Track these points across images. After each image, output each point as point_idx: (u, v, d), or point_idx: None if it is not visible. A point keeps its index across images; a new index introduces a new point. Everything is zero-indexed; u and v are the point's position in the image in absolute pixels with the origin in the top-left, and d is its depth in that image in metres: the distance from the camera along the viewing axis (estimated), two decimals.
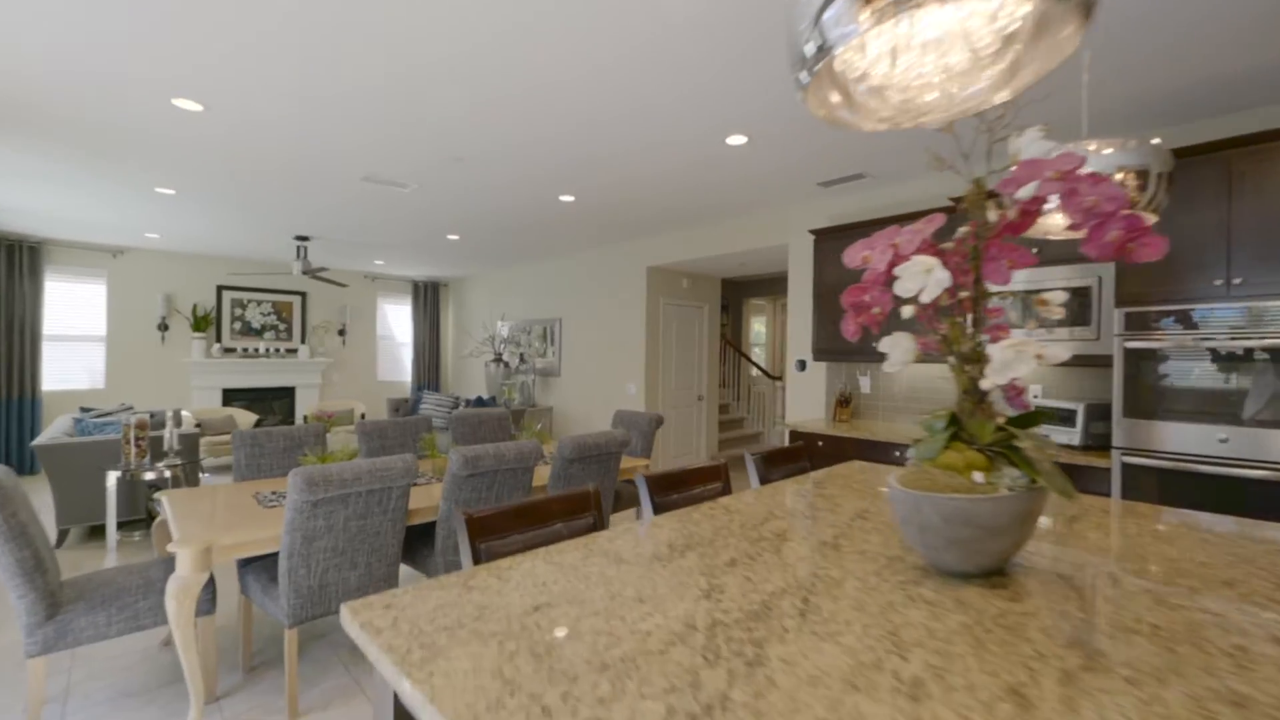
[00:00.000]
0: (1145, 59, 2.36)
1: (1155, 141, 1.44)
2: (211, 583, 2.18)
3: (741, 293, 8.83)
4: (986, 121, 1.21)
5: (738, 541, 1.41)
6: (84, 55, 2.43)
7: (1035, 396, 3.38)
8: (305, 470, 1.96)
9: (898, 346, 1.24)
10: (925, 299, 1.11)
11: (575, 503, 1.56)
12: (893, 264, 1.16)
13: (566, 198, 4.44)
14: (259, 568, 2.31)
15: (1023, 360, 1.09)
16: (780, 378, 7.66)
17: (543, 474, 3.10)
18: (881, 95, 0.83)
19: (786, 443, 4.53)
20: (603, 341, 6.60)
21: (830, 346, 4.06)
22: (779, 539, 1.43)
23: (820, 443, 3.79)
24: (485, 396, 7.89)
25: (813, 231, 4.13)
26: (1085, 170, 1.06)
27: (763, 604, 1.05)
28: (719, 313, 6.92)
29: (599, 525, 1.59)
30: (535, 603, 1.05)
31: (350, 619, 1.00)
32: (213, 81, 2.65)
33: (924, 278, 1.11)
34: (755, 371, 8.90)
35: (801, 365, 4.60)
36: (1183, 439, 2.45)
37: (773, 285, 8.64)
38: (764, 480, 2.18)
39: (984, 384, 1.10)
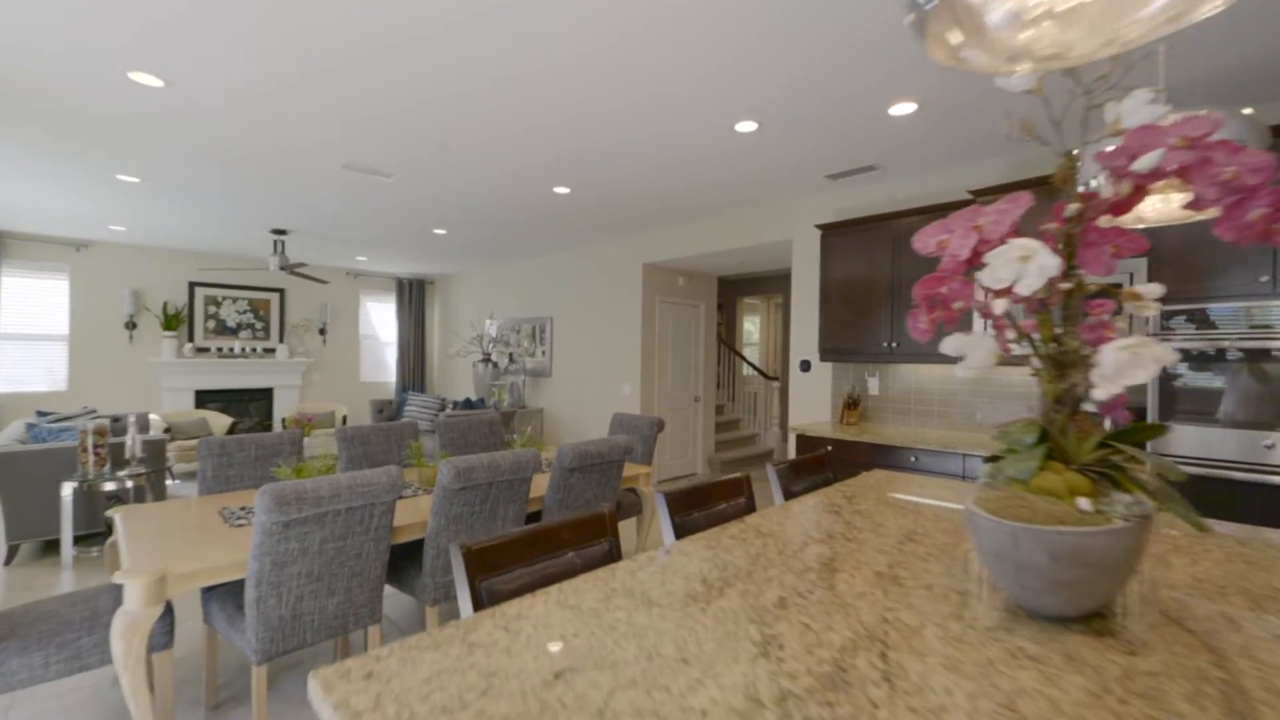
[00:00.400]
0: (1176, 43, 2.21)
1: (1247, 112, 1.27)
2: (169, 612, 1.94)
3: (734, 291, 8.67)
4: (1083, 84, 1.03)
5: (780, 573, 1.22)
6: (27, 19, 2.17)
7: None
8: (275, 487, 1.73)
9: (979, 348, 1.05)
10: (1022, 290, 0.92)
11: (588, 528, 1.36)
12: (978, 249, 0.98)
13: (561, 190, 4.22)
14: (224, 594, 2.07)
15: (1140, 364, 0.91)
16: (776, 378, 7.50)
17: (539, 483, 2.89)
18: (1016, 25, 0.64)
19: (792, 447, 4.36)
20: (596, 341, 6.39)
21: (838, 346, 3.89)
22: (827, 569, 1.24)
23: (829, 447, 3.62)
24: (473, 398, 7.63)
25: (820, 226, 3.96)
26: (1219, 136, 0.88)
27: (835, 664, 0.86)
28: (716, 311, 6.74)
29: (615, 553, 1.39)
30: (555, 667, 0.85)
31: (321, 698, 0.78)
32: (173, 53, 2.39)
33: (1019, 266, 0.93)
34: (747, 371, 8.75)
35: (806, 366, 4.43)
36: (1224, 445, 2.31)
37: (766, 284, 8.49)
38: (787, 493, 1.99)
39: (1097, 393, 0.91)
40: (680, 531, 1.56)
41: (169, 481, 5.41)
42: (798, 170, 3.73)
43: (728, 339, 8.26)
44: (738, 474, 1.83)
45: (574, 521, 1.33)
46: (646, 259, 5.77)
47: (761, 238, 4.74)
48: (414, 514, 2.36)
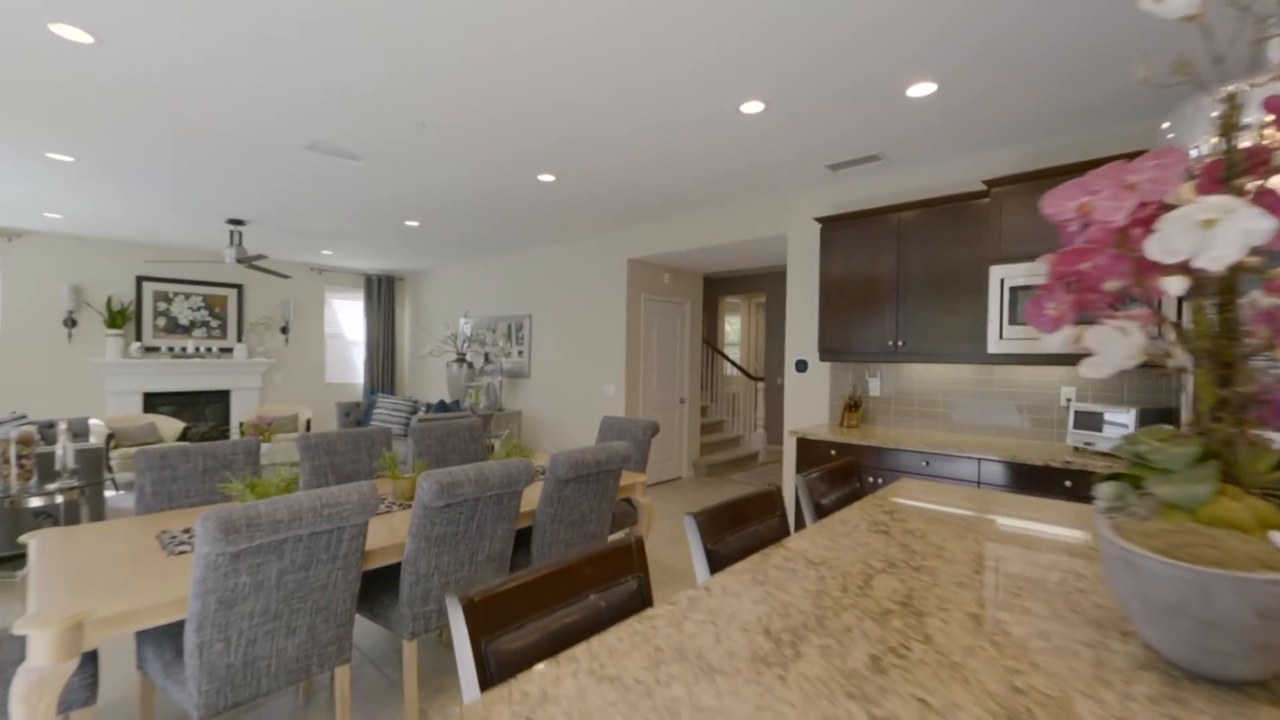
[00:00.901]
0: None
1: None
2: (91, 660, 1.62)
3: (715, 290, 8.49)
4: (1253, 14, 0.83)
5: (858, 619, 0.99)
6: None
7: (1068, 401, 3.12)
8: (222, 512, 1.43)
9: (1119, 344, 0.84)
10: (1209, 264, 0.71)
11: (613, 563, 1.11)
12: (1141, 214, 0.77)
13: (546, 177, 3.95)
14: (160, 636, 1.75)
15: None
16: (761, 379, 7.35)
17: (528, 495, 2.62)
18: None
19: (792, 451, 4.18)
20: (578, 340, 6.11)
21: (839, 346, 3.71)
22: (911, 613, 1.02)
23: (833, 451, 3.44)
24: (447, 400, 7.27)
25: (819, 220, 3.78)
26: None
27: None
28: (701, 310, 6.54)
29: (645, 593, 1.14)
30: None
31: None
32: (103, 1, 2.05)
33: (1201, 233, 0.72)
34: (729, 372, 8.58)
35: (802, 366, 4.25)
36: None
37: (748, 282, 8.34)
38: (817, 507, 1.77)
39: None
40: (714, 561, 1.32)
41: (110, 494, 4.94)
42: (799, 159, 3.53)
43: (710, 338, 8.08)
44: (768, 487, 1.60)
45: (596, 556, 1.08)
46: (632, 254, 5.53)
47: (754, 232, 4.55)
48: (389, 534, 2.06)
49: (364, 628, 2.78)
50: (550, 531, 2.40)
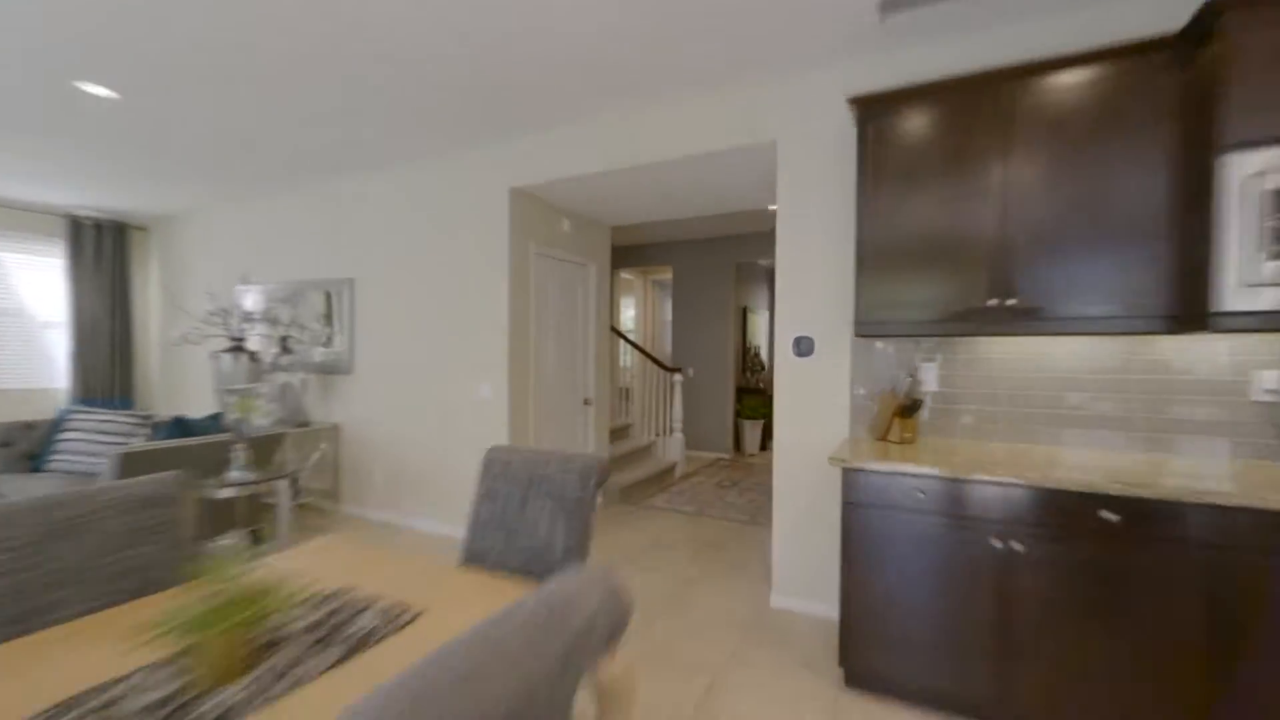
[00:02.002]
0: None
1: None
2: None
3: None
4: None
5: None
6: None
7: (1269, 393, 1.96)
8: None
9: None
10: None
11: None
12: None
13: None
14: None
15: None
16: (678, 370, 5.85)
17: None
18: None
19: (812, 483, 2.67)
20: (430, 316, 4.04)
21: (887, 310, 2.26)
22: None
23: (921, 493, 1.95)
24: (220, 411, 4.70)
25: (856, 100, 2.28)
26: None
27: None
28: (609, 276, 4.83)
29: None
30: None
31: None
32: None
33: None
34: (623, 362, 7.01)
35: (804, 347, 2.75)
36: None
37: (650, 252, 6.82)
38: None
39: None
40: None
41: None
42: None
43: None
44: None
45: None
46: (517, 181, 3.62)
47: (716, 141, 2.94)
48: None
49: None
50: None
